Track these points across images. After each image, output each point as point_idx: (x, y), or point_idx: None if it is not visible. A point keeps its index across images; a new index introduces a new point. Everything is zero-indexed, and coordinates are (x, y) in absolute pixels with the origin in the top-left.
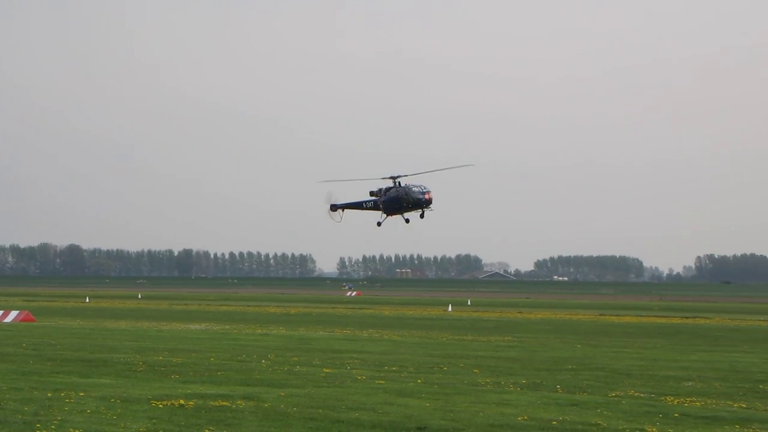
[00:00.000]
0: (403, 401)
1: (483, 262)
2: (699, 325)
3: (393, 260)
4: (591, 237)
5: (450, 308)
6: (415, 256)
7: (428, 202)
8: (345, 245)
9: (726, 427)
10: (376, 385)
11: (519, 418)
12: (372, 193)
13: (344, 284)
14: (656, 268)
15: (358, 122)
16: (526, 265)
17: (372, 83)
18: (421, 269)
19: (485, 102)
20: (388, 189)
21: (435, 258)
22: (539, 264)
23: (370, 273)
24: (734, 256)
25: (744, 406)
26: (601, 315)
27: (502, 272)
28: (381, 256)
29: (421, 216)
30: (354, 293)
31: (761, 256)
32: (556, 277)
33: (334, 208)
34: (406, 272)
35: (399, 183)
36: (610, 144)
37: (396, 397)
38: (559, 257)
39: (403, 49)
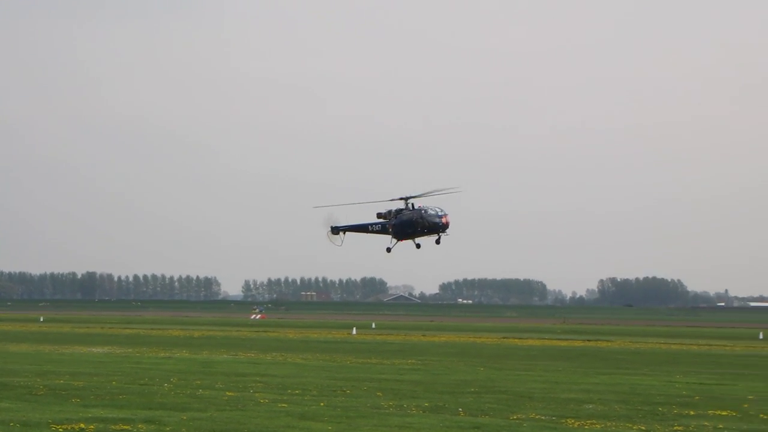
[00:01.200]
0: (306, 424)
1: (388, 285)
2: (601, 348)
3: (298, 283)
4: (495, 260)
5: (354, 331)
6: (320, 279)
7: (445, 227)
8: (250, 268)
9: None
10: (278, 408)
11: None
12: (380, 215)
13: (255, 307)
14: (559, 291)
15: (265, 148)
16: (431, 288)
17: (283, 106)
18: (326, 292)
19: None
20: (399, 211)
21: (340, 281)
22: (444, 287)
23: (275, 296)
24: (636, 279)
25: (643, 428)
26: (504, 338)
27: (407, 295)
28: (286, 279)
29: (437, 242)
30: (259, 316)
31: (662, 279)
32: (460, 300)
33: (335, 230)
34: (311, 295)
35: (412, 205)
36: (511, 166)
37: (298, 420)
38: (464, 280)
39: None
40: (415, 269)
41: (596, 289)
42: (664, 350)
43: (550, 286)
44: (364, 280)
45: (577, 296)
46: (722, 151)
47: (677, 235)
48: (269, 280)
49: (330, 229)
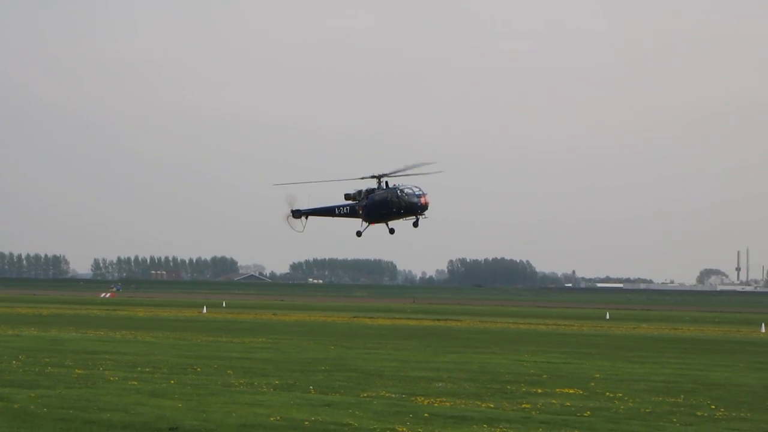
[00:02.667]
0: (156, 402)
1: (239, 264)
2: (450, 328)
3: (148, 262)
4: (346, 240)
5: (205, 310)
6: (170, 258)
7: (424, 208)
8: (99, 247)
9: (474, 426)
10: (128, 386)
11: (271, 419)
12: (348, 197)
13: (112, 285)
14: (409, 271)
15: (116, 124)
16: (282, 268)
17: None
18: (176, 271)
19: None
20: (371, 191)
21: (191, 260)
22: (295, 266)
23: (125, 274)
24: (485, 260)
25: (492, 406)
26: (355, 317)
27: (257, 274)
28: (136, 258)
29: (415, 224)
30: (108, 294)
31: (511, 260)
32: (311, 279)
33: (297, 214)
34: (161, 274)
35: (386, 183)
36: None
37: (148, 397)
38: (315, 260)
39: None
40: (265, 248)
41: (446, 270)
42: (512, 330)
43: (400, 266)
44: (214, 259)
45: (427, 276)
46: (563, 136)
47: (526, 217)
48: (119, 259)
49: (290, 212)
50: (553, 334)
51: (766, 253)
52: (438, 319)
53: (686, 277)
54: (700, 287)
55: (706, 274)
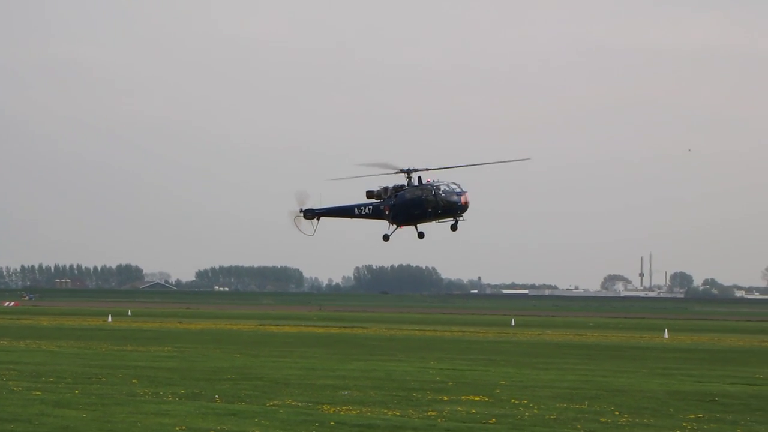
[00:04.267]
0: (60, 412)
1: (144, 273)
2: (357, 335)
3: (52, 270)
4: (252, 247)
5: (110, 318)
6: (75, 266)
7: (464, 208)
8: (1, 255)
9: None
10: (32, 396)
11: (176, 429)
12: (371, 195)
13: (24, 295)
14: (316, 278)
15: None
16: (188, 275)
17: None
18: (81, 279)
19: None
20: (399, 188)
21: (95, 268)
22: (200, 274)
23: (28, 283)
24: (392, 266)
25: (398, 413)
26: (261, 325)
27: (163, 282)
28: (40, 266)
29: (454, 227)
30: (12, 303)
31: (417, 266)
32: (217, 287)
33: (309, 214)
34: (66, 282)
35: (419, 179)
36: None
37: (53, 408)
38: (221, 267)
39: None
40: (171, 256)
41: (352, 277)
42: (418, 337)
43: (306, 274)
44: (119, 267)
45: (334, 284)
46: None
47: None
48: (22, 267)
49: (301, 212)
50: (459, 341)
51: (669, 259)
52: (344, 327)
53: (591, 283)
54: (604, 293)
55: (610, 280)
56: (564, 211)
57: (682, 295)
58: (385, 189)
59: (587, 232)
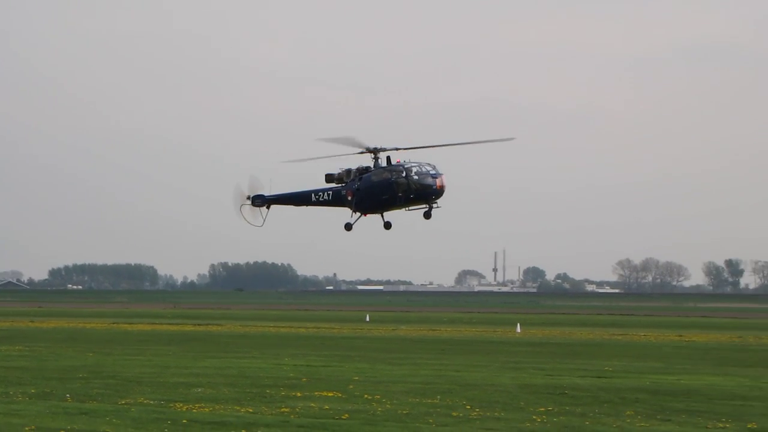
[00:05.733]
0: None
1: None
2: (211, 332)
3: None
4: (105, 245)
5: None
6: None
7: (439, 192)
8: None
9: (233, 431)
10: None
11: (26, 428)
12: (331, 178)
13: None
14: (171, 275)
15: None
16: (40, 274)
17: None
18: None
19: None
20: (364, 170)
21: None
22: (53, 273)
23: None
24: (247, 263)
25: (251, 410)
26: (114, 323)
27: (15, 281)
28: None
29: (427, 215)
30: None
31: (272, 263)
32: (70, 285)
33: (258, 201)
34: None
35: (388, 160)
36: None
37: None
38: (74, 265)
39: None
40: (23, 254)
41: (207, 274)
42: (273, 333)
43: (161, 271)
44: None
45: (189, 281)
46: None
47: (287, 221)
48: None
49: (250, 199)
50: (314, 338)
51: (522, 254)
52: (198, 324)
53: (445, 279)
54: (458, 288)
55: (464, 275)
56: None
57: (534, 290)
58: (348, 171)
59: (441, 229)
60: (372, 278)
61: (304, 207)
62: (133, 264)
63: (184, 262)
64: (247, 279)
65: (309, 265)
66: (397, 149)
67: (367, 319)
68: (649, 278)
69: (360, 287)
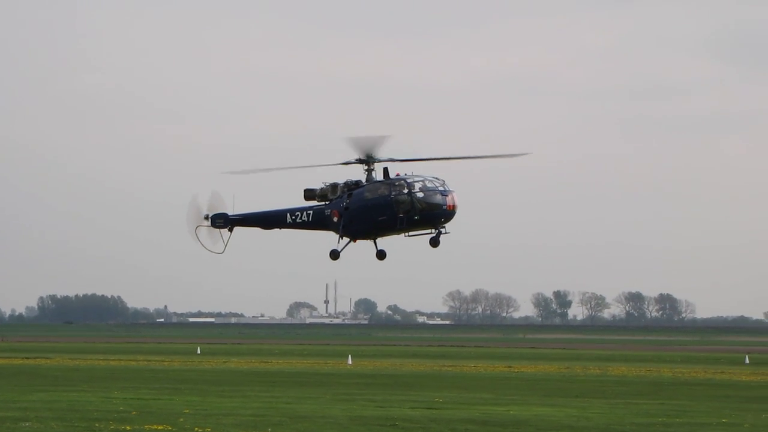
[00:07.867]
0: None
1: None
2: (39, 366)
3: None
4: None
5: None
6: None
7: (450, 215)
8: None
9: None
10: None
11: None
12: (311, 195)
13: None
14: None
15: None
16: None
17: None
18: None
19: None
20: (354, 185)
21: None
22: None
23: None
24: (77, 296)
25: None
26: None
27: None
28: None
29: (434, 242)
30: None
31: (102, 295)
32: None
33: (220, 222)
34: None
35: (385, 171)
36: None
37: None
38: None
39: None
40: None
41: (36, 307)
42: (103, 366)
43: None
44: None
45: (17, 314)
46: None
47: (115, 251)
48: None
49: (208, 219)
50: (144, 370)
51: (353, 286)
52: (27, 358)
53: (277, 311)
54: (290, 320)
55: (296, 307)
56: (250, 239)
57: (366, 322)
58: (333, 187)
59: (273, 261)
60: (203, 310)
61: (277, 230)
62: None
63: (11, 295)
64: (77, 311)
65: (139, 297)
66: (392, 160)
67: (198, 351)
68: (479, 309)
69: (191, 319)
